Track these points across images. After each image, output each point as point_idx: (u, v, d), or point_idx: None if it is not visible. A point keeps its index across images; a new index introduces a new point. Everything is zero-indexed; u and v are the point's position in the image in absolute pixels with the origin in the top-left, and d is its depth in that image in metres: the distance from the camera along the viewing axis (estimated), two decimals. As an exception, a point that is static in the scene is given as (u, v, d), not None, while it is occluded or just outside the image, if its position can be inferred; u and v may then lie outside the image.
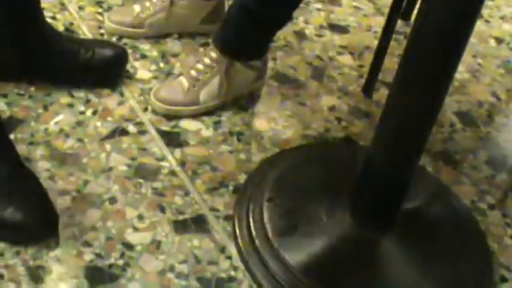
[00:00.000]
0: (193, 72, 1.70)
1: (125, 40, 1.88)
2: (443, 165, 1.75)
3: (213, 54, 1.70)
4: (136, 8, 1.89)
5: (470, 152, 1.80)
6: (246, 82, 1.76)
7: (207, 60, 1.70)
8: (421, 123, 1.36)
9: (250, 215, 1.52)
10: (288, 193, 1.57)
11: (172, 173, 1.59)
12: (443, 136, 1.83)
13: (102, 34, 1.90)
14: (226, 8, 1.91)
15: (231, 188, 1.59)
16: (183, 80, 1.71)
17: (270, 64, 1.81)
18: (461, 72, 2.02)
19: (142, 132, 1.67)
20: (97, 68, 1.74)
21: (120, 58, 1.78)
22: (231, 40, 1.70)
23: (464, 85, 2.00)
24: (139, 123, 1.68)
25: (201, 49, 1.90)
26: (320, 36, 2.07)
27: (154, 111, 1.71)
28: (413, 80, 1.31)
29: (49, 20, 1.76)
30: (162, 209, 1.51)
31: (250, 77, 1.76)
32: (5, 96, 1.67)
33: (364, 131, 1.78)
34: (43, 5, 1.69)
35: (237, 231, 1.50)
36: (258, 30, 1.67)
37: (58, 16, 1.91)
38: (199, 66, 1.70)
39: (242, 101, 1.79)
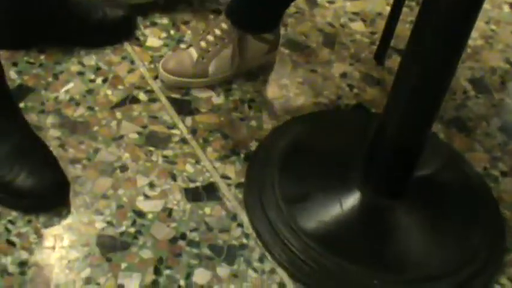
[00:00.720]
0: (203, 44, 1.68)
1: (135, 7, 1.86)
2: (456, 132, 1.74)
3: (224, 26, 1.68)
4: None
5: (483, 119, 1.79)
6: (257, 55, 1.74)
7: (217, 32, 1.68)
8: (433, 90, 1.35)
9: (262, 183, 1.51)
10: (300, 161, 1.57)
11: (183, 140, 1.59)
12: (456, 103, 1.81)
13: None
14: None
15: (242, 155, 1.58)
16: (193, 51, 1.69)
17: (281, 31, 1.79)
18: (474, 39, 2.00)
19: (153, 100, 1.66)
20: (108, 28, 1.74)
21: (130, 18, 1.79)
22: (243, 12, 1.68)
23: (477, 52, 1.98)
24: (149, 91, 1.67)
25: (212, 16, 1.89)
26: (332, 2, 2.05)
27: (165, 79, 1.71)
28: (426, 46, 1.30)
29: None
30: (173, 177, 1.51)
31: (262, 50, 1.74)
32: (15, 64, 1.67)
33: (376, 98, 1.77)
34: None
35: (249, 198, 1.50)
36: (271, 1, 1.66)
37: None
38: (210, 37, 1.68)
39: (253, 69, 1.77)
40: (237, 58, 1.69)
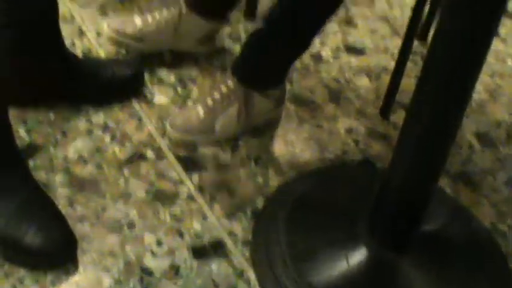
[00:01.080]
0: (209, 101, 1.70)
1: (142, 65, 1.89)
2: (462, 186, 1.74)
3: (230, 83, 1.70)
4: (138, 21, 1.86)
5: (489, 173, 1.79)
6: (263, 111, 1.76)
7: (223, 89, 1.70)
8: (438, 145, 1.36)
9: (268, 239, 1.52)
10: (306, 216, 1.57)
11: (191, 197, 1.60)
12: (461, 157, 1.82)
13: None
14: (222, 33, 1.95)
15: (249, 212, 1.59)
16: (199, 109, 1.71)
17: (287, 87, 1.81)
18: (479, 92, 2.02)
19: (160, 157, 1.67)
20: (117, 86, 1.77)
21: (138, 76, 1.82)
22: (249, 69, 1.71)
23: (482, 105, 2.00)
24: (157, 148, 1.69)
25: (218, 73, 1.91)
26: (337, 58, 2.07)
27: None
28: (430, 101, 1.31)
29: (68, 47, 1.77)
30: (181, 234, 1.52)
31: (268, 106, 1.76)
32: (25, 122, 1.69)
33: (381, 153, 1.78)
34: (62, 31, 1.71)
35: (255, 255, 1.50)
36: (276, 59, 1.68)
37: (76, 43, 1.93)
38: (216, 94, 1.70)
39: (259, 125, 1.79)
40: (243, 115, 1.71)
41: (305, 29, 1.63)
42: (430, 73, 1.29)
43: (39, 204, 1.44)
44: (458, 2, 1.19)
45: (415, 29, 1.83)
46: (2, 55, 1.56)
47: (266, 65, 1.70)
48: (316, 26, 1.65)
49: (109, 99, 1.78)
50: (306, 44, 1.68)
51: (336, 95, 1.94)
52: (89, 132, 1.70)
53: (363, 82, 2.00)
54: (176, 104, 1.81)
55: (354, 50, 2.12)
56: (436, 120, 1.32)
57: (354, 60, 2.08)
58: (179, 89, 1.86)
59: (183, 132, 1.70)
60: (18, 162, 1.47)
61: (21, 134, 1.66)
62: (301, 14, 1.58)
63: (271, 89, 1.74)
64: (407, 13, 1.91)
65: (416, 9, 1.83)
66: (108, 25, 1.87)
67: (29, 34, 1.59)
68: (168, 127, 1.71)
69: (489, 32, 1.22)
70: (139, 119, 1.75)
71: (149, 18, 1.86)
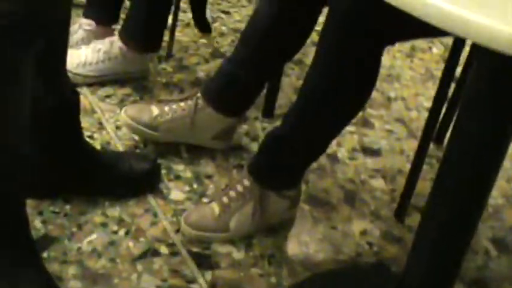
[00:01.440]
0: (225, 199, 1.71)
1: (159, 160, 1.90)
2: (478, 293, 1.72)
3: (246, 182, 1.71)
4: (154, 110, 1.88)
5: (506, 280, 1.77)
6: (278, 211, 1.76)
7: (239, 188, 1.71)
8: (454, 249, 1.35)
9: None
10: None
11: (203, 295, 1.59)
12: (477, 263, 1.80)
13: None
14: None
15: (261, 312, 1.57)
16: (215, 206, 1.71)
17: (302, 187, 1.82)
18: (495, 198, 2.02)
19: (174, 253, 1.67)
20: (133, 181, 1.78)
21: (155, 171, 1.83)
22: (265, 169, 1.72)
23: (498, 211, 1.99)
24: (171, 244, 1.69)
25: (235, 171, 1.92)
26: (352, 159, 2.08)
27: (186, 233, 1.72)
28: (446, 204, 1.31)
29: (87, 139, 1.80)
30: (192, 333, 1.50)
31: (283, 206, 1.76)
32: (40, 213, 1.70)
33: (396, 256, 1.77)
34: (82, 123, 1.73)
35: None
36: (293, 161, 1.70)
37: (95, 135, 1.95)
38: (232, 193, 1.71)
39: (274, 224, 1.78)
40: (258, 214, 1.71)
41: (323, 134, 1.65)
42: (446, 176, 1.29)
43: None
44: (476, 105, 1.21)
45: (431, 131, 1.85)
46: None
47: (282, 167, 1.71)
48: (334, 131, 1.67)
49: (125, 193, 1.79)
50: (322, 148, 1.69)
51: (351, 196, 1.94)
52: (104, 225, 1.70)
53: (378, 184, 2.01)
54: (192, 201, 1.82)
55: (370, 151, 2.13)
56: (451, 224, 1.32)
57: (369, 162, 2.09)
58: (195, 186, 1.87)
59: (197, 229, 1.70)
60: (32, 254, 1.47)
61: (37, 225, 1.66)
62: (318, 119, 1.61)
63: (287, 190, 1.74)
64: (424, 115, 1.92)
65: (433, 112, 1.85)
66: (125, 111, 1.89)
67: (49, 128, 1.62)
68: (182, 224, 1.71)
69: (506, 135, 1.22)
70: (155, 215, 1.75)
71: (166, 108, 1.88)
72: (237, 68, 1.84)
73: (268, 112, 2.15)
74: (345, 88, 1.58)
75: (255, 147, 1.94)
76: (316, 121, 1.62)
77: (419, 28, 1.02)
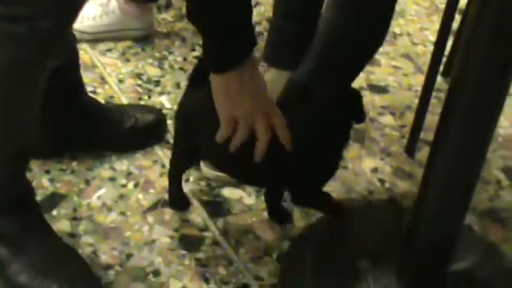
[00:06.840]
0: None
1: (165, 111, 1.88)
2: (491, 223, 1.71)
3: None
4: None
5: (518, 209, 1.76)
6: None
7: None
8: (464, 181, 1.34)
9: (295, 283, 1.49)
10: (333, 258, 1.55)
11: (216, 243, 1.58)
12: (489, 194, 1.79)
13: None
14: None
15: (275, 256, 1.57)
16: None
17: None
18: (505, 128, 1.99)
19: (184, 202, 1.66)
20: (139, 133, 1.77)
21: (160, 122, 1.82)
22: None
23: (509, 140, 1.97)
24: (181, 194, 1.68)
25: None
26: (360, 97, 2.06)
27: (196, 181, 1.71)
28: (453, 137, 1.29)
29: (90, 94, 1.78)
30: (206, 280, 1.50)
31: None
32: (47, 172, 1.69)
33: (408, 191, 1.76)
34: (84, 79, 1.72)
35: (283, 300, 1.48)
36: None
37: (98, 90, 1.93)
38: None
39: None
40: None
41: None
42: (453, 106, 1.27)
43: (62, 259, 1.43)
44: (481, 33, 1.18)
45: (438, 65, 1.82)
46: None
47: None
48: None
49: (132, 146, 1.77)
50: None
51: (360, 135, 1.92)
52: (112, 179, 1.70)
53: (387, 121, 1.99)
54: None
55: (377, 89, 2.10)
56: (460, 154, 1.30)
57: (377, 99, 2.06)
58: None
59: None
60: (39, 216, 1.47)
61: (45, 184, 1.65)
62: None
63: None
64: (430, 49, 1.89)
65: (439, 45, 1.81)
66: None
67: (50, 83, 1.60)
68: (202, 166, 1.70)
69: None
70: (163, 165, 1.74)
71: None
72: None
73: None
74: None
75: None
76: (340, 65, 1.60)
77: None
